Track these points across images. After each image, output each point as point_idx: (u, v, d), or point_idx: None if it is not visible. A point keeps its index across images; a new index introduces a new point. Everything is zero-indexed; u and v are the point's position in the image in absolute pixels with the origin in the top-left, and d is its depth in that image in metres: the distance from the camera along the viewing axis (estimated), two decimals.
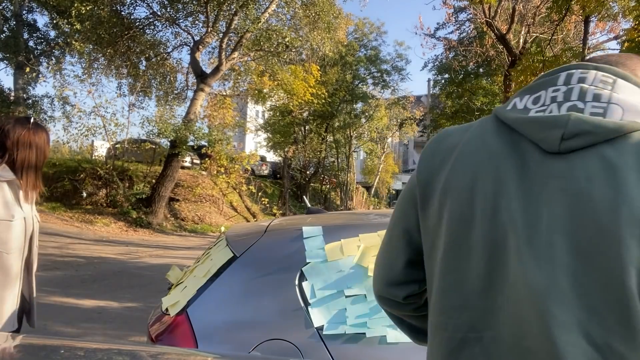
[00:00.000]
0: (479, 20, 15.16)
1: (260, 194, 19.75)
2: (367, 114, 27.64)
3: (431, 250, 0.85)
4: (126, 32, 15.11)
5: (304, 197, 9.21)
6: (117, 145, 16.77)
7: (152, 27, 16.60)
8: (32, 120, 2.04)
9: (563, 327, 0.65)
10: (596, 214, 0.66)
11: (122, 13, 15.32)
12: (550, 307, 0.66)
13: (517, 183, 0.73)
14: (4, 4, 15.40)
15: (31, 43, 16.83)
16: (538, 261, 0.68)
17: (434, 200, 0.84)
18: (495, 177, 0.75)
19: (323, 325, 1.61)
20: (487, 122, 0.84)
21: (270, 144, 24.92)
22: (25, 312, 2.09)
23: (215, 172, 15.99)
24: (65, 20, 13.35)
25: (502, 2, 13.77)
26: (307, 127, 25.18)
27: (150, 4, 15.75)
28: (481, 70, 20.72)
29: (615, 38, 13.91)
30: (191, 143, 16.12)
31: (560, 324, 0.65)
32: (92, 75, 16.35)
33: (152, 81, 18.10)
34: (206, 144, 15.65)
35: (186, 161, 17.95)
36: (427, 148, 0.91)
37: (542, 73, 0.87)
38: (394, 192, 37.35)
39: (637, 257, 0.64)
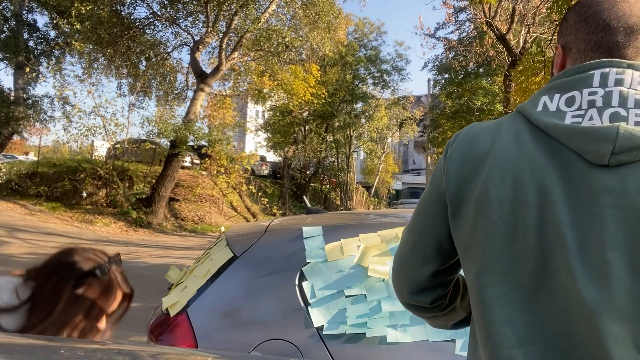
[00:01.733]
0: (479, 20, 15.15)
1: (260, 194, 19.74)
2: (367, 114, 27.62)
3: (465, 261, 0.83)
4: (126, 32, 15.11)
5: (304, 197, 9.22)
6: (117, 145, 16.78)
7: (152, 27, 16.61)
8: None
9: (619, 343, 0.65)
10: None
11: (122, 13, 15.32)
12: (605, 323, 0.65)
13: (563, 196, 0.71)
14: (4, 4, 15.39)
15: (31, 43, 16.82)
16: (591, 277, 0.67)
17: (466, 209, 0.80)
18: (538, 189, 0.73)
19: (323, 325, 1.60)
20: (518, 124, 0.80)
21: (270, 144, 24.91)
22: None
23: (215, 172, 15.98)
24: (65, 20, 13.35)
25: (502, 2, 13.77)
26: (307, 127, 25.16)
27: (150, 4, 15.77)
28: (481, 70, 20.71)
29: None
30: (191, 143, 16.12)
31: (616, 340, 0.65)
32: (92, 75, 16.39)
33: (152, 81, 18.11)
34: (206, 144, 15.64)
35: (186, 161, 17.94)
36: (455, 152, 0.85)
37: (570, 67, 0.81)
38: (394, 192, 37.34)
39: None
